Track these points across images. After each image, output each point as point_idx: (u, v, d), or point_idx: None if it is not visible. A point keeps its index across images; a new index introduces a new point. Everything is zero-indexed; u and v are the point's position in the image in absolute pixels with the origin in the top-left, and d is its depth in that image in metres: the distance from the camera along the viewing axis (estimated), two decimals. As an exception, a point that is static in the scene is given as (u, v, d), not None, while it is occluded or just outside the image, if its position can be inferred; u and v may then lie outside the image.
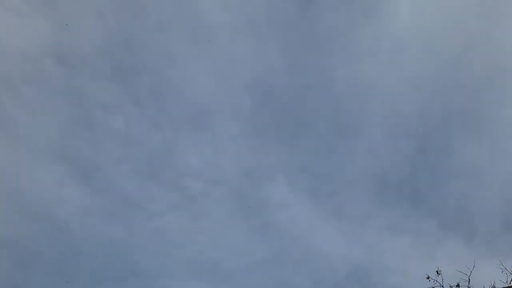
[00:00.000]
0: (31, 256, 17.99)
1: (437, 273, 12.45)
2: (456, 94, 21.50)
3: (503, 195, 19.19)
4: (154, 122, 21.31)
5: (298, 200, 22.17)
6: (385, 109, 22.27)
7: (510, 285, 11.42)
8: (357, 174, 22.41)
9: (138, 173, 21.19)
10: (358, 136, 22.53)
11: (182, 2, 20.81)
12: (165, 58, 20.65)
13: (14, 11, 18.32)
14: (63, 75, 19.84)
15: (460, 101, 21.41)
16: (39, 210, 18.90)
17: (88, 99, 20.27)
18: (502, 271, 11.88)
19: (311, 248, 20.76)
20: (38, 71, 19.32)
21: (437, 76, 21.30)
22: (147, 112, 21.20)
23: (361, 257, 20.32)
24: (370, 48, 21.64)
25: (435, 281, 12.26)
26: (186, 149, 21.59)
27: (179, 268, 19.99)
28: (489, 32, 20.50)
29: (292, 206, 22.08)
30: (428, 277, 12.62)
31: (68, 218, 19.37)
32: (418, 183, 21.96)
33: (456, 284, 12.47)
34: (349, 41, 21.69)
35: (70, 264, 18.38)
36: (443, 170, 21.75)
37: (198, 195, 21.69)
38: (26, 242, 18.10)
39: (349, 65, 21.78)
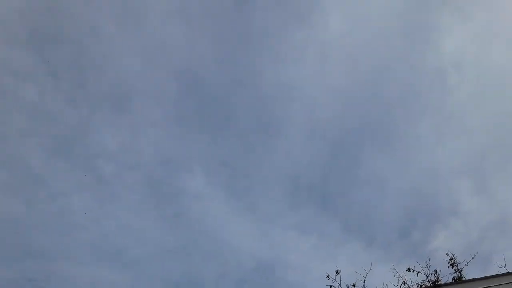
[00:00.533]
0: None
1: (337, 272, 13.14)
2: (372, 107, 22.75)
3: (402, 205, 20.69)
4: (71, 97, 20.05)
5: (213, 192, 22.15)
6: (305, 113, 22.96)
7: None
8: (273, 173, 22.89)
9: (46, 149, 19.86)
10: (278, 136, 23.01)
11: (115, -24, 19.80)
12: (89, 31, 19.50)
13: None
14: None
15: (375, 114, 22.69)
16: None
17: (-2, 63, 18.56)
18: (395, 275, 12.83)
19: (221, 241, 20.86)
20: None
21: (357, 87, 22.36)
22: (63, 85, 19.89)
23: (267, 253, 20.80)
24: (299, 52, 22.18)
25: (334, 280, 12.93)
26: (102, 129, 20.62)
27: (80, 251, 19.08)
28: (408, 53, 21.98)
29: (207, 198, 22.01)
30: (327, 276, 13.31)
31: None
32: (328, 187, 22.92)
33: (353, 284, 13.27)
34: (279, 42, 22.05)
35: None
36: (352, 177, 22.92)
37: (110, 178, 20.82)
38: None
39: (277, 66, 22.14)
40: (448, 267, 12.67)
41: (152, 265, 19.97)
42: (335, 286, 13.15)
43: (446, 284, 5.91)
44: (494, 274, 5.65)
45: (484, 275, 6.02)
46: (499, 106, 21.16)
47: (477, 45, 22.05)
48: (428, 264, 12.71)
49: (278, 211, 22.51)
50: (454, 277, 12.13)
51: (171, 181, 21.55)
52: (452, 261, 12.78)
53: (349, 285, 12.99)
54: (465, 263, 12.35)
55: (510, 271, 5.30)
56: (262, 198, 22.51)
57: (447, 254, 12.94)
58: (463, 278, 11.72)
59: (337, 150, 23.23)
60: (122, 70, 20.32)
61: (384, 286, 12.50)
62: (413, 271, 12.55)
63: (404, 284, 12.43)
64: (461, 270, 12.33)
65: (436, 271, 12.58)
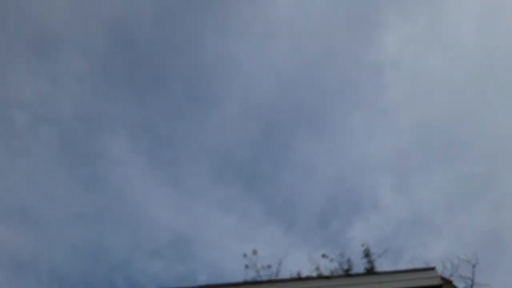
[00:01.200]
0: None
1: (254, 252, 13.01)
2: (310, 92, 22.57)
3: (326, 194, 20.90)
4: (-15, 36, 17.84)
5: (135, 159, 20.95)
6: (243, 89, 22.28)
7: (313, 274, 12.32)
8: (202, 146, 22.09)
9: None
10: (211, 110, 22.15)
11: None
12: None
13: None
14: None
15: (312, 100, 22.54)
16: None
17: None
18: (309, 261, 12.85)
19: (137, 211, 19.88)
20: None
21: (297, 71, 22.02)
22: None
23: (186, 227, 20.19)
24: (244, 27, 21.39)
25: (250, 260, 12.71)
26: (19, 75, 18.62)
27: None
28: (351, 44, 21.93)
29: (127, 163, 20.75)
30: (244, 255, 13.11)
31: None
32: (256, 167, 22.58)
33: (268, 265, 13.14)
34: (225, 14, 21.11)
35: None
36: (282, 161, 22.75)
37: (23, 130, 18.98)
38: None
39: (219, 37, 21.17)
40: (362, 258, 12.88)
41: (60, 228, 18.61)
42: (251, 266, 12.97)
43: (357, 275, 5.61)
44: (405, 268, 5.40)
45: (394, 269, 5.85)
46: (429, 109, 21.82)
47: (416, 46, 22.50)
48: (343, 253, 12.83)
49: (202, 186, 21.85)
50: (366, 267, 12.29)
51: (90, 141, 20.03)
52: (366, 252, 13.01)
53: (265, 265, 12.86)
54: (377, 255, 12.58)
55: (418, 267, 5.05)
56: (187, 171, 21.69)
57: (362, 245, 13.17)
58: (375, 270, 11.88)
59: (270, 131, 22.85)
60: (47, 12, 18.36)
61: (298, 271, 12.46)
62: (327, 258, 12.59)
63: (317, 270, 12.45)
64: (374, 261, 12.53)
65: (349, 260, 12.71)
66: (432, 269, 5.00)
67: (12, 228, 17.75)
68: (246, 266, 12.93)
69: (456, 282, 11.90)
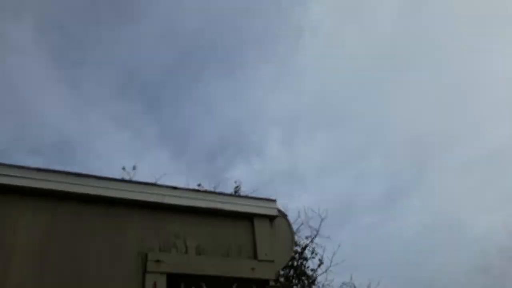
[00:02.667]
0: None
1: (133, 168, 13.36)
2: (232, 34, 22.30)
3: (220, 132, 21.68)
4: None
5: (37, 51, 18.54)
6: (169, 13, 20.52)
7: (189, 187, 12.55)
8: (112, 57, 20.35)
9: None
10: (131, 23, 20.26)
11: None
12: None
13: None
14: None
15: (231, 41, 22.52)
16: None
17: None
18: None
19: (26, 105, 18.15)
20: None
21: (227, 12, 21.11)
22: None
23: (75, 133, 19.31)
24: None
25: (128, 174, 12.97)
26: None
27: None
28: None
29: (27, 53, 18.27)
30: (123, 168, 13.34)
31: None
32: (161, 91, 22.08)
33: (147, 182, 13.15)
34: None
35: None
36: (187, 91, 22.68)
37: None
38: None
39: None
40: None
41: None
42: (128, 178, 13.09)
43: (205, 191, 5.69)
44: (248, 195, 5.58)
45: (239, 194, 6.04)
46: (331, 80, 22.84)
47: (338, 18, 23.17)
48: (216, 187, 13.40)
49: (102, 97, 20.60)
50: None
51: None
52: (236, 189, 13.77)
53: (143, 182, 12.96)
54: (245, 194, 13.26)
55: (260, 196, 5.27)
56: (90, 77, 19.80)
57: (235, 181, 13.92)
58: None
59: (183, 60, 22.42)
60: None
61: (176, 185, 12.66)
62: (201, 188, 12.92)
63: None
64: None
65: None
66: (273, 201, 5.26)
67: None
68: (122, 179, 12.81)
69: (304, 230, 13.31)
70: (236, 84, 23.23)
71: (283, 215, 5.33)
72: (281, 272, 13.72)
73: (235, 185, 14.10)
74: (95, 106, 19.98)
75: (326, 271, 13.11)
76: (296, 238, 13.56)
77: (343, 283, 13.05)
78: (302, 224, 13.41)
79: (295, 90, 23.29)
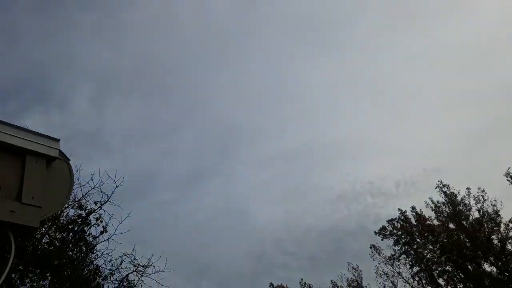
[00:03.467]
0: None
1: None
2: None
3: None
4: None
5: None
6: None
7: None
8: None
9: None
10: None
11: None
12: None
13: None
14: None
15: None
16: None
17: None
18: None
19: None
20: None
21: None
22: None
23: None
24: None
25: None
26: None
27: None
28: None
29: None
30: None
31: None
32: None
33: None
34: None
35: None
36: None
37: None
38: None
39: None
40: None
41: None
42: None
43: None
44: (32, 129, 4.85)
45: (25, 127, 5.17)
46: (164, 39, 21.99)
47: None
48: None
49: None
50: None
51: None
52: None
53: None
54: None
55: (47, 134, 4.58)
56: None
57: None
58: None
59: None
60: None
61: None
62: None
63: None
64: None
65: None
66: (56, 140, 4.56)
67: None
68: None
69: (94, 195, 12.37)
70: (50, 23, 20.81)
71: (65, 159, 4.67)
72: (58, 236, 12.57)
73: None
74: None
75: (108, 239, 12.46)
76: (83, 202, 12.59)
77: (124, 254, 12.61)
78: (93, 188, 12.49)
79: (118, 48, 22.04)
